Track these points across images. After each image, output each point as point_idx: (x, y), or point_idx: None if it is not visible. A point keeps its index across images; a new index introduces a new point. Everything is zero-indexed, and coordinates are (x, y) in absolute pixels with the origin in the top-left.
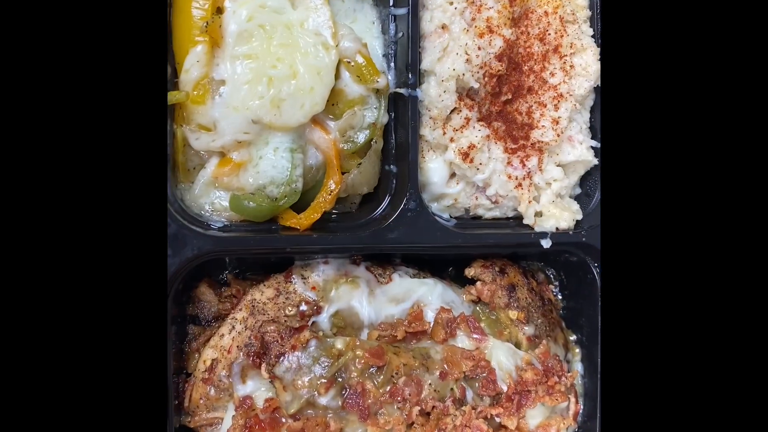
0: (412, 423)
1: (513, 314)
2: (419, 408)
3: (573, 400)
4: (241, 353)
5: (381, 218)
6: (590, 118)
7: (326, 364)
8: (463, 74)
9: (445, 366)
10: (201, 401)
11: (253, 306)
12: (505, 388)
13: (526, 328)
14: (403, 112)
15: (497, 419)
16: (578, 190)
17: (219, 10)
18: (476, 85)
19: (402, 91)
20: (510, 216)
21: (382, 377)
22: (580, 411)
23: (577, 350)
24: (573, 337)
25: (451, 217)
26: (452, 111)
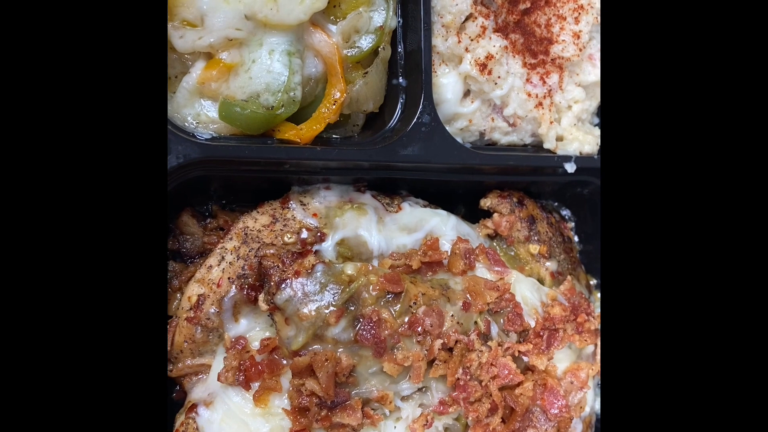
0: (434, 359)
1: (534, 248)
2: (441, 341)
3: (599, 344)
4: (234, 286)
5: (391, 134)
6: None
7: (336, 291)
8: None
9: (468, 296)
10: (185, 345)
11: (246, 234)
12: (533, 324)
13: (548, 263)
14: (413, 17)
15: (524, 359)
16: (596, 119)
17: None
18: None
19: None
20: (527, 142)
21: (399, 306)
22: None
23: (599, 295)
24: (594, 282)
25: (464, 141)
26: (467, 19)
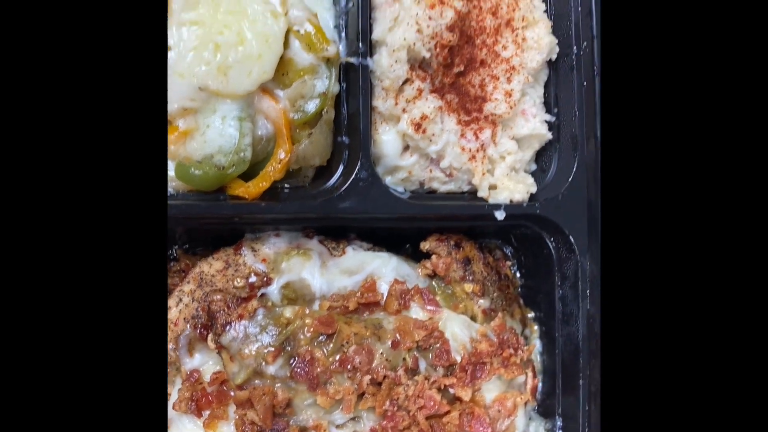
0: (363, 393)
1: (468, 287)
2: (370, 377)
3: (530, 374)
4: (188, 325)
5: (333, 188)
6: (544, 93)
7: (274, 332)
8: (414, 44)
9: (397, 335)
10: None
11: (201, 278)
12: (459, 359)
13: (481, 301)
14: (354, 83)
15: (451, 390)
16: (534, 166)
17: None
18: (428, 55)
19: (353, 60)
20: (465, 190)
21: (331, 346)
22: (539, 386)
23: (536, 327)
24: (531, 314)
25: (405, 190)
26: (405, 82)
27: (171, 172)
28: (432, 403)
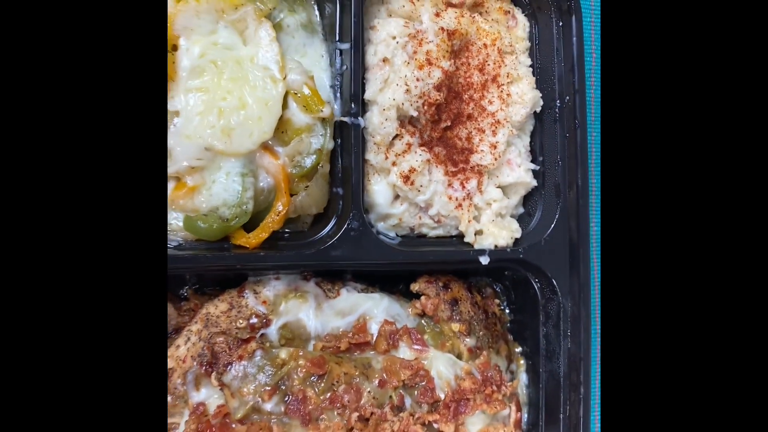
0: (352, 428)
1: (455, 326)
2: (358, 414)
3: (514, 408)
4: (195, 363)
5: (326, 237)
6: (530, 142)
7: (270, 372)
8: (403, 103)
9: (385, 375)
10: None
11: (207, 319)
12: (443, 396)
13: (467, 339)
14: (348, 139)
15: (435, 425)
16: (521, 210)
17: (174, 47)
18: (415, 114)
19: (346, 119)
20: (453, 234)
21: (323, 385)
22: (524, 419)
23: (522, 361)
24: (519, 349)
25: (397, 235)
26: (395, 137)
27: (180, 223)
28: None
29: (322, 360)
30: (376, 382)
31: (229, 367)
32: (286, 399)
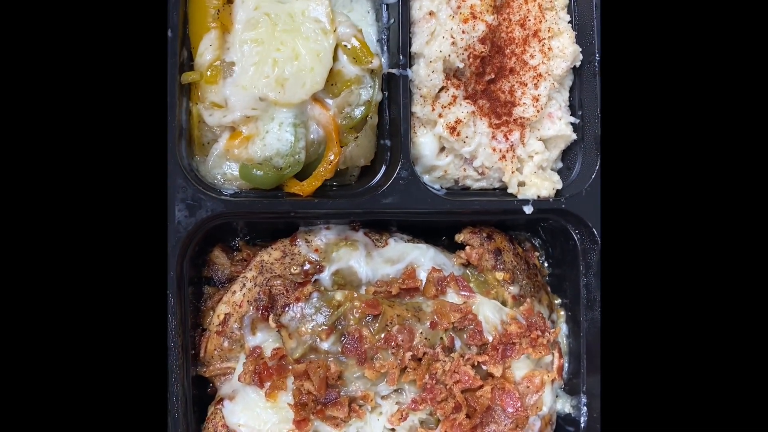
0: (405, 367)
1: (499, 275)
2: (411, 354)
3: (557, 355)
4: (251, 307)
5: (376, 186)
6: (569, 97)
7: (327, 313)
8: (449, 56)
9: (435, 317)
10: (215, 352)
11: (262, 266)
12: (490, 339)
13: (511, 287)
14: (395, 91)
15: (484, 367)
16: (560, 164)
17: (229, 0)
18: (461, 66)
19: (394, 71)
20: (496, 186)
21: (377, 325)
22: (565, 366)
23: (562, 312)
24: (558, 301)
25: (442, 187)
26: (440, 90)
27: (235, 172)
28: (467, 378)
29: (376, 302)
30: (428, 323)
31: (287, 308)
32: (343, 339)
